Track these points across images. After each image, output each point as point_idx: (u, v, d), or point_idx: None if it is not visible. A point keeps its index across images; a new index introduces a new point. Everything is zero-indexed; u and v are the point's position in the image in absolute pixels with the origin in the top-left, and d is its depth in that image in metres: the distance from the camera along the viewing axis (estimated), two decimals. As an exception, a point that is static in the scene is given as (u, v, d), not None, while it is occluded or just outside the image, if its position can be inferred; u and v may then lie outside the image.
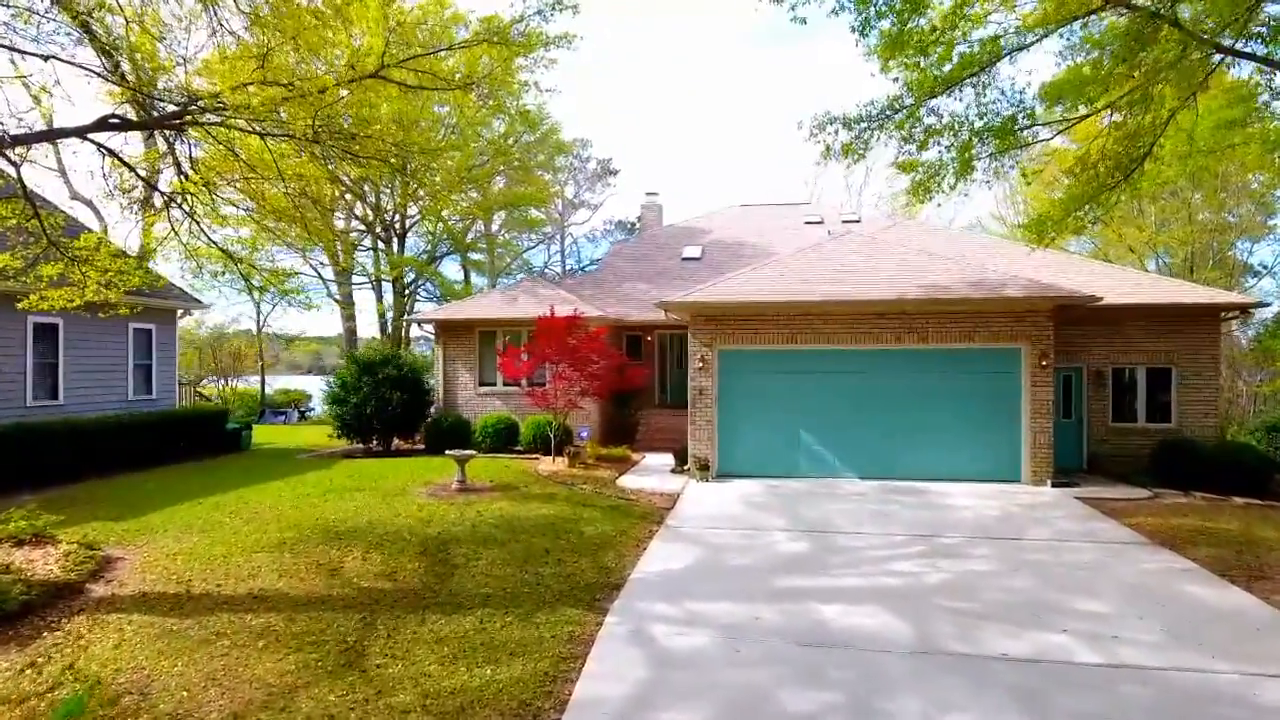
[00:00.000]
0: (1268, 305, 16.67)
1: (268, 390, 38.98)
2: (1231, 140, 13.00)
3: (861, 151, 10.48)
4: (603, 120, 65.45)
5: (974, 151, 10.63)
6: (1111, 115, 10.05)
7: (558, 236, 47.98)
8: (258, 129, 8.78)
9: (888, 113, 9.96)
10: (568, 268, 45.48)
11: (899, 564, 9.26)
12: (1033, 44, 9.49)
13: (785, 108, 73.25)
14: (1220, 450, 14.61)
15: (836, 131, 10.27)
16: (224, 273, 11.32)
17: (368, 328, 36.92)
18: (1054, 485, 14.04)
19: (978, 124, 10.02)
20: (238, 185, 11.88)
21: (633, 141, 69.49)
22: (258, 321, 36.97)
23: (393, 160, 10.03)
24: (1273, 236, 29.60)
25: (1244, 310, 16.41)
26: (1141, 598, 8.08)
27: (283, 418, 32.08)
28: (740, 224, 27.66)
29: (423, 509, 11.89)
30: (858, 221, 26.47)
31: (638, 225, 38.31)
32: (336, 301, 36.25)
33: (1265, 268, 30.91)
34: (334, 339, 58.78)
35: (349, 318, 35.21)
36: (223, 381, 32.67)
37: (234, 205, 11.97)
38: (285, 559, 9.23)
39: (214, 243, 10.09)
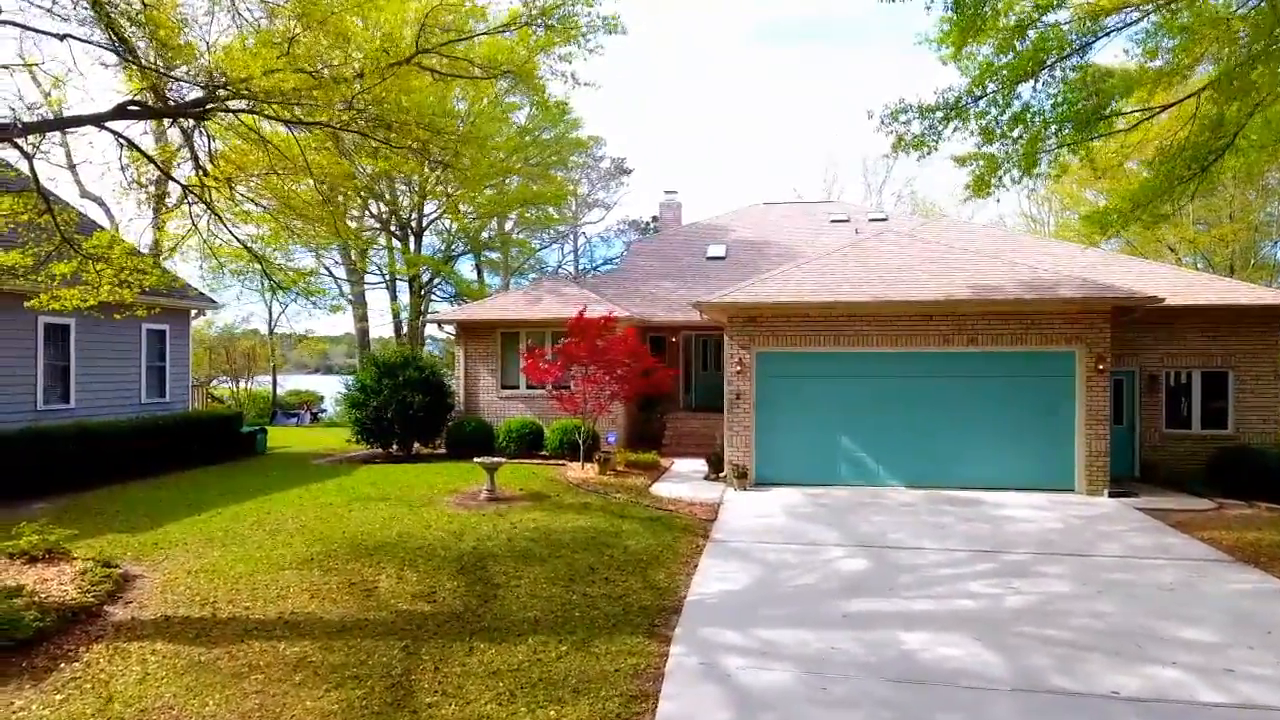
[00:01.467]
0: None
1: (279, 391, 38.53)
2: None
3: (934, 143, 9.82)
4: (615, 119, 64.88)
5: (1041, 145, 9.97)
6: (1198, 103, 9.39)
7: (571, 236, 47.41)
8: (286, 116, 8.18)
9: (967, 100, 9.30)
10: (581, 267, 44.90)
11: (970, 584, 8.62)
12: (1115, 30, 8.85)
13: (797, 107, 72.59)
14: (1282, 459, 13.91)
15: (909, 121, 9.62)
16: (246, 272, 10.75)
17: (380, 328, 36.37)
18: (1111, 495, 13.38)
19: (1051, 114, 9.35)
20: (259, 180, 11.33)
21: (645, 141, 68.94)
22: (269, 321, 36.50)
23: (434, 148, 9.44)
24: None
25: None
26: (1244, 624, 7.44)
27: (295, 419, 31.57)
28: (763, 222, 27.03)
29: (453, 520, 11.31)
30: (885, 220, 25.82)
31: (654, 224, 37.71)
32: (349, 301, 35.75)
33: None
34: (342, 338, 58.30)
35: (361, 318, 34.68)
36: (235, 383, 32.15)
37: (254, 201, 11.41)
38: (315, 577, 8.65)
39: (238, 239, 9.49)
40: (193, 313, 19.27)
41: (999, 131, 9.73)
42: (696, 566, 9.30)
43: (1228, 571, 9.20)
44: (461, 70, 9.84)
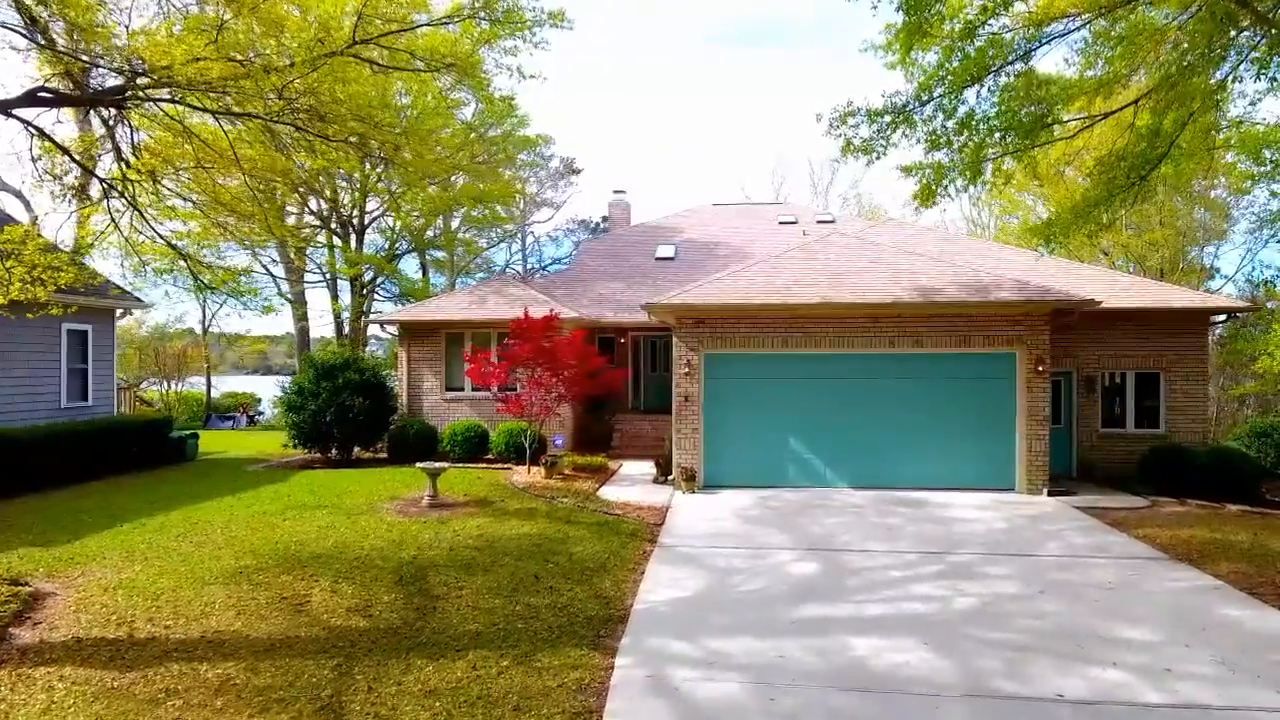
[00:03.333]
0: (1258, 309, 16.56)
1: (214, 393, 37.13)
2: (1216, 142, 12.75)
3: (882, 149, 9.79)
4: (564, 118, 64.40)
5: (986, 153, 10.05)
6: (1135, 112, 9.59)
7: (520, 235, 46.83)
8: (213, 107, 7.72)
9: (914, 105, 9.29)
10: (530, 267, 44.38)
11: (920, 586, 8.62)
12: (1057, 37, 8.96)
13: (746, 110, 73.13)
14: (1211, 457, 14.37)
15: (858, 125, 9.57)
16: (170, 271, 10.19)
17: (321, 327, 35.34)
18: (1050, 494, 13.63)
19: (995, 121, 9.42)
20: (186, 175, 10.78)
21: (595, 141, 68.60)
22: (203, 321, 35.17)
23: (373, 142, 9.02)
24: (1229, 243, 30.07)
25: (1232, 314, 16.29)
26: (1181, 623, 7.57)
27: (230, 423, 30.42)
28: (713, 223, 27.02)
29: (393, 529, 10.92)
30: (832, 221, 26.04)
31: (604, 224, 37.45)
32: (288, 300, 34.64)
33: (1217, 272, 31.43)
34: (283, 338, 56.63)
35: (301, 317, 33.64)
36: (166, 385, 30.81)
37: (181, 197, 10.84)
38: (243, 592, 8.22)
39: (161, 237, 8.96)
40: (118, 312, 18.34)
41: (945, 139, 9.76)
42: (644, 573, 9.11)
43: (1164, 570, 9.39)
44: (403, 63, 9.48)
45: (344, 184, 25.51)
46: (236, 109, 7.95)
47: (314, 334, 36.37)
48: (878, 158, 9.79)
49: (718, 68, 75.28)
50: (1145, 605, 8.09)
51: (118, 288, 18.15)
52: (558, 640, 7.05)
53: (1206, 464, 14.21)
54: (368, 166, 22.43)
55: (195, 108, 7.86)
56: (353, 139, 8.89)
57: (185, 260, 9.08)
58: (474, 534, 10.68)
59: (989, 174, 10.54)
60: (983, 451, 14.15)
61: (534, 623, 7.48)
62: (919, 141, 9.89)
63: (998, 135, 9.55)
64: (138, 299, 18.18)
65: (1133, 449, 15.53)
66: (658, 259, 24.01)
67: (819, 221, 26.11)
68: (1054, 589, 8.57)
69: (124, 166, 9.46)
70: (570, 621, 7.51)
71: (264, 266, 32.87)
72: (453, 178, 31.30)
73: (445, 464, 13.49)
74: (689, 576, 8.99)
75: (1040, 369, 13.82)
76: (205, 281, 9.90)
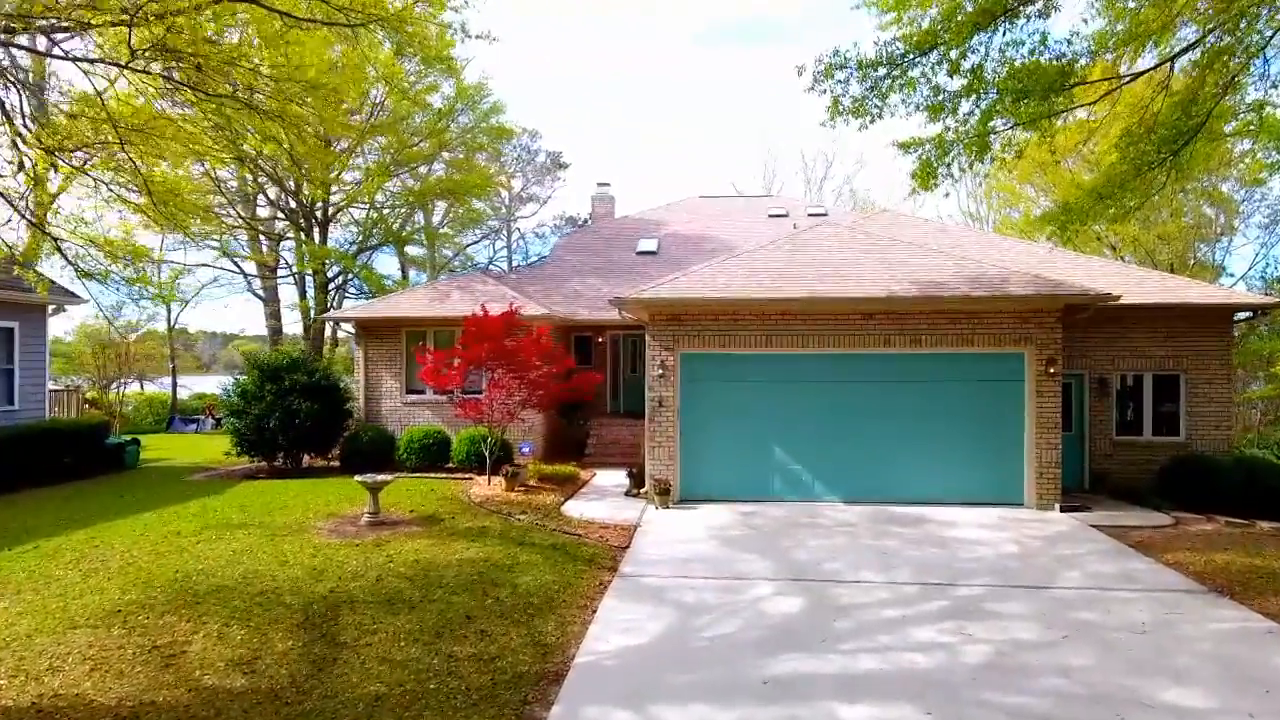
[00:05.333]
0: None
1: (185, 394, 35.61)
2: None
3: (876, 110, 8.42)
4: (552, 113, 63.04)
5: (995, 123, 8.68)
6: (1169, 74, 8.28)
7: (504, 232, 45.47)
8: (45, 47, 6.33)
9: (913, 56, 7.93)
10: (515, 265, 43.02)
11: (921, 630, 7.25)
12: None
13: (736, 105, 71.80)
14: (1239, 468, 13.07)
15: (847, 80, 8.21)
16: (50, 255, 8.80)
17: (293, 325, 33.93)
18: (1063, 509, 12.31)
19: (1009, 84, 8.06)
20: (98, 154, 9.37)
21: (583, 137, 67.23)
22: (168, 320, 33.71)
23: (262, 96, 7.60)
24: (1240, 236, 28.82)
25: (1260, 311, 14.97)
26: (1237, 680, 6.23)
27: (194, 426, 28.93)
28: (699, 216, 25.66)
29: (318, 554, 9.54)
30: (824, 214, 24.72)
31: (589, 220, 36.12)
32: (259, 298, 33.23)
33: (1223, 270, 30.17)
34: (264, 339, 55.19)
35: (273, 315, 32.23)
36: (125, 386, 29.28)
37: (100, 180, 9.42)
38: (111, 639, 6.85)
39: (32, 221, 7.56)
40: (50, 309, 16.92)
41: (950, 105, 8.41)
42: (596, 612, 7.74)
43: (1204, 606, 8.05)
44: (320, 14, 8.08)
45: (309, 172, 23.97)
46: (96, 55, 6.56)
47: (287, 332, 34.97)
48: (871, 121, 8.43)
49: (707, 66, 73.97)
50: (1190, 655, 6.74)
51: (48, 280, 16.67)
52: (474, 708, 5.68)
53: (1233, 476, 12.92)
54: (325, 148, 20.91)
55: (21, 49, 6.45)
56: (240, 94, 7.50)
57: (55, 241, 7.66)
58: (409, 560, 9.31)
59: (997, 148, 9.18)
60: (987, 462, 12.82)
61: (450, 682, 6.11)
62: (918, 108, 8.54)
63: (1008, 100, 8.19)
64: (71, 293, 16.74)
65: (1150, 458, 14.23)
66: (639, 253, 22.67)
67: (810, 214, 24.78)
68: (1080, 633, 7.22)
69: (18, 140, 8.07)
70: (494, 682, 6.13)
71: (235, 262, 31.50)
72: (430, 168, 29.94)
73: (389, 477, 12.09)
74: (648, 617, 7.62)
75: (1052, 370, 12.49)
76: (84, 268, 8.51)
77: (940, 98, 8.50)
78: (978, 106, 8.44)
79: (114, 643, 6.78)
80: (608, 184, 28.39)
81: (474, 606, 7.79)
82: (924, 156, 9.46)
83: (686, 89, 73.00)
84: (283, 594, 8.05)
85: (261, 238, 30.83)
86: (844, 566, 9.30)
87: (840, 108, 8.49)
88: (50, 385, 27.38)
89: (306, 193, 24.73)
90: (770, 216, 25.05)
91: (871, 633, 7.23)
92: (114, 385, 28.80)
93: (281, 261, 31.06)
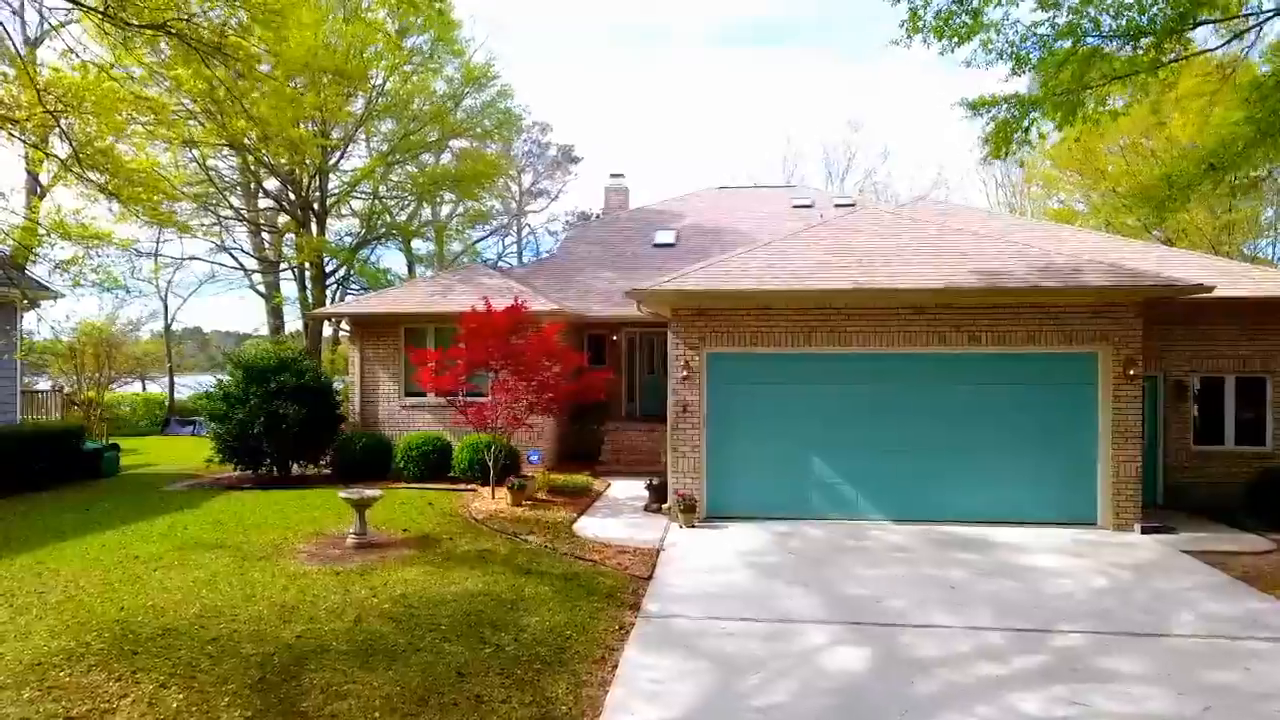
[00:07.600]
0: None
1: (182, 395, 34.39)
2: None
3: (965, 29, 6.90)
4: (564, 107, 61.71)
5: (1093, 76, 7.20)
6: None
7: (514, 227, 44.20)
8: None
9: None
10: (525, 260, 41.70)
11: (1026, 699, 5.76)
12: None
13: (756, 100, 70.16)
14: (1341, 483, 11.51)
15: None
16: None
17: (294, 321, 32.75)
18: (1143, 530, 10.81)
19: (1119, 22, 6.60)
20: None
21: (596, 132, 65.82)
22: (165, 317, 32.57)
23: (203, 30, 6.30)
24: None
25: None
26: None
27: (190, 429, 27.70)
28: (718, 208, 24.21)
29: (291, 585, 8.19)
30: (852, 205, 23.16)
31: (603, 214, 34.76)
32: (259, 294, 32.05)
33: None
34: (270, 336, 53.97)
35: (274, 312, 31.08)
36: (120, 386, 28.09)
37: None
38: (16, 706, 5.49)
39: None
40: (22, 303, 15.65)
41: (1043, 54, 6.94)
42: (616, 667, 6.33)
43: (1363, 662, 6.54)
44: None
45: (308, 160, 22.62)
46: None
47: (290, 329, 33.77)
48: (954, 46, 6.90)
49: (726, 64, 72.40)
50: (1377, 737, 5.26)
51: (19, 272, 15.42)
52: (458, 822, 4.28)
53: (1336, 492, 11.36)
54: (319, 133, 19.59)
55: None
56: (172, 29, 6.16)
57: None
58: (397, 594, 7.95)
59: (1090, 107, 7.69)
60: (1056, 476, 11.33)
61: (431, 777, 4.71)
62: (1001, 57, 7.07)
63: (1115, 44, 6.72)
64: (44, 287, 15.45)
65: (1233, 470, 12.67)
66: (656, 245, 21.26)
67: (837, 205, 23.27)
68: (1223, 701, 5.74)
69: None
70: (487, 778, 4.74)
71: (234, 255, 30.31)
72: (439, 157, 28.65)
73: (378, 491, 10.71)
74: (680, 675, 6.19)
75: (1131, 373, 10.99)
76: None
77: (1027, 53, 7.02)
78: (1074, 55, 6.98)
79: (17, 713, 5.43)
80: (622, 174, 27.02)
81: (469, 659, 6.39)
82: (998, 120, 7.97)
83: (703, 87, 71.45)
84: (240, 641, 6.69)
85: (263, 232, 29.67)
86: (908, 605, 7.84)
87: (919, 22, 7.01)
88: (41, 385, 26.40)
89: (305, 182, 23.39)
90: (794, 207, 23.58)
91: (964, 701, 5.76)
92: (107, 385, 27.65)
93: (282, 256, 29.87)
